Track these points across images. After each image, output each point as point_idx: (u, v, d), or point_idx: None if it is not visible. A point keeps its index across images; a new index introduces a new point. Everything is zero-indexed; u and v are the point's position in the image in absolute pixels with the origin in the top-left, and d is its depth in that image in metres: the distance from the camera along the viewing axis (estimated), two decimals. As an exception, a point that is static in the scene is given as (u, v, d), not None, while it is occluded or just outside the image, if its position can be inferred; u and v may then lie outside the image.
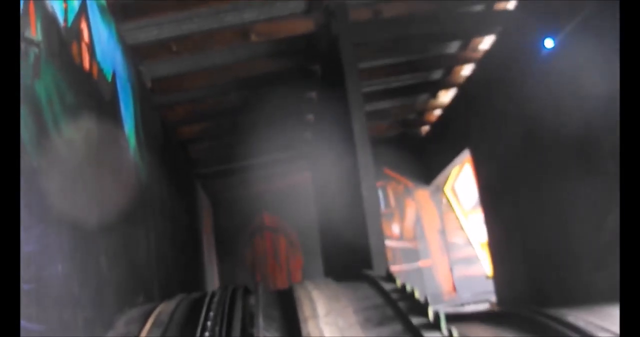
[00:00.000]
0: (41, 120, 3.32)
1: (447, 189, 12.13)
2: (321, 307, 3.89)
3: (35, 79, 3.25)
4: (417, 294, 3.76)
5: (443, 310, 3.53)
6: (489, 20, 7.47)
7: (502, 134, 7.86)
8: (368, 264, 5.85)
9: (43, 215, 3.08)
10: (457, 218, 12.15)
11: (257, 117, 9.42)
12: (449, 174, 11.54)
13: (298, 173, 12.85)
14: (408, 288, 3.94)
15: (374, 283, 4.37)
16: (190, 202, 10.41)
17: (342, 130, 6.80)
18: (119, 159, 5.13)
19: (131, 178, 5.51)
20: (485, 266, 11.75)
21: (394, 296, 3.86)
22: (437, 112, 11.04)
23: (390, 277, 4.48)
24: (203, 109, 8.60)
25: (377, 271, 5.59)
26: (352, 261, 7.19)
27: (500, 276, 8.70)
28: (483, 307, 9.26)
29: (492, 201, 8.63)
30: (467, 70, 9.13)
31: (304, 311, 3.86)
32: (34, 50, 3.24)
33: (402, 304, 3.63)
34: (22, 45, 2.98)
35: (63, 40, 3.90)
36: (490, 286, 11.73)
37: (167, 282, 7.00)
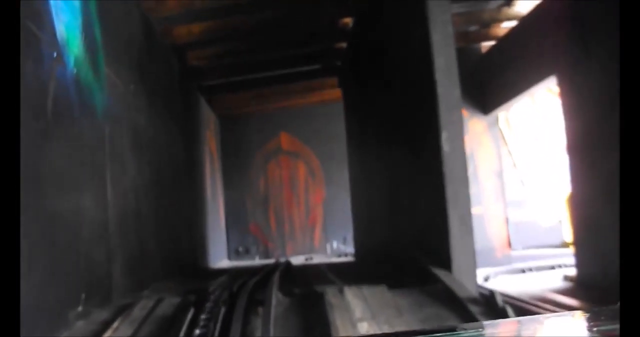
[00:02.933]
0: None
1: (501, 119, 9.90)
2: None
3: None
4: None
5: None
6: None
7: (615, 61, 5.54)
8: (439, 253, 3.78)
9: None
10: (510, 154, 10.03)
11: (277, 17, 7.11)
12: (518, 104, 9.22)
13: (326, 90, 10.58)
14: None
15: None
16: (189, 123, 8.30)
17: (404, 43, 4.53)
18: (33, 77, 2.94)
19: (63, 108, 3.34)
20: (545, 213, 9.75)
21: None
22: (507, 25, 8.61)
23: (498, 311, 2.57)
24: (206, 2, 6.27)
25: (458, 275, 3.55)
26: (407, 237, 5.12)
27: (588, 246, 6.59)
28: (557, 282, 7.21)
29: (588, 146, 6.40)
30: (561, -31, 6.71)
31: None
32: None
33: None
34: None
35: None
36: (544, 236, 9.88)
37: (142, 250, 4.99)
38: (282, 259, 9.84)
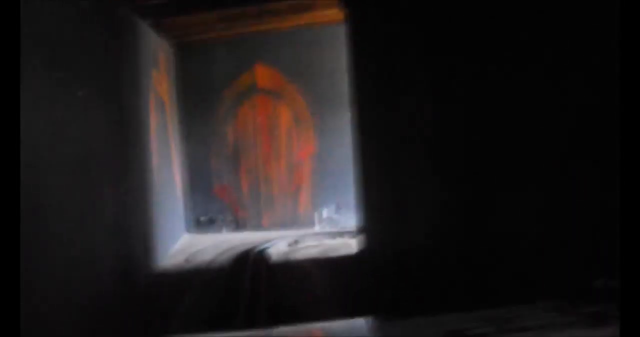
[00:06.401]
0: None
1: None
2: None
3: None
4: None
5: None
6: None
7: None
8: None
9: None
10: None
11: None
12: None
13: (318, 10, 7.71)
14: None
15: None
16: (119, 68, 5.52)
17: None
18: None
19: None
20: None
21: None
22: None
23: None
24: None
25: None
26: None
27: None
28: None
29: None
30: None
31: None
32: None
33: None
34: None
35: None
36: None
37: None
38: (257, 245, 7.37)
